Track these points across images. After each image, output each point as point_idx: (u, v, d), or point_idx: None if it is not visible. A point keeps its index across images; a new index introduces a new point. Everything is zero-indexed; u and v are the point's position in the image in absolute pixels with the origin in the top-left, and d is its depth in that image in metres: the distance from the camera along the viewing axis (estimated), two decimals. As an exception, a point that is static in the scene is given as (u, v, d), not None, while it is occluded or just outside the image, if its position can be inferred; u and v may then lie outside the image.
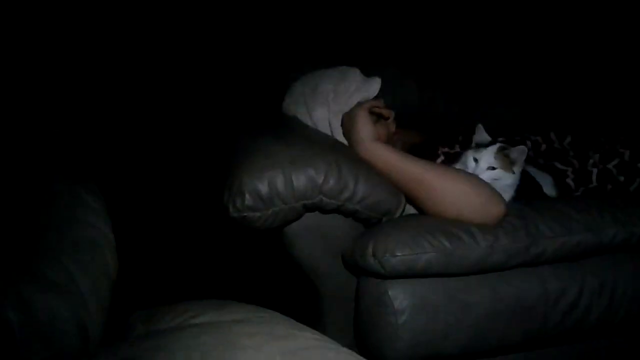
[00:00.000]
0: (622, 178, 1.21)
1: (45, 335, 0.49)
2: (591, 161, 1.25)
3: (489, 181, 1.07)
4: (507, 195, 1.09)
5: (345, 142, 1.16)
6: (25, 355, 0.47)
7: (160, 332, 0.57)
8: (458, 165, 1.14)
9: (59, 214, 0.57)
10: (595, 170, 1.23)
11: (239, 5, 1.83)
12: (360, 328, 1.07)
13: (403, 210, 1.08)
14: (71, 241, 0.55)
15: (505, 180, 1.08)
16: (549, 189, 1.20)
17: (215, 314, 0.58)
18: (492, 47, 1.74)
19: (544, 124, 1.46)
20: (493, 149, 1.09)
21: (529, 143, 1.33)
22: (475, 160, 1.09)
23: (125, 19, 1.80)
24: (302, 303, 1.14)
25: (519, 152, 1.07)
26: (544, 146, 1.34)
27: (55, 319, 0.50)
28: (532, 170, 1.21)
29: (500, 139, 1.26)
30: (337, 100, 1.18)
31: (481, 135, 1.15)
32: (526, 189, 1.13)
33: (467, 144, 1.31)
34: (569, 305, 1.07)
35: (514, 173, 1.08)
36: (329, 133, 1.19)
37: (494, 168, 1.07)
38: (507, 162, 1.07)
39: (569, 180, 1.22)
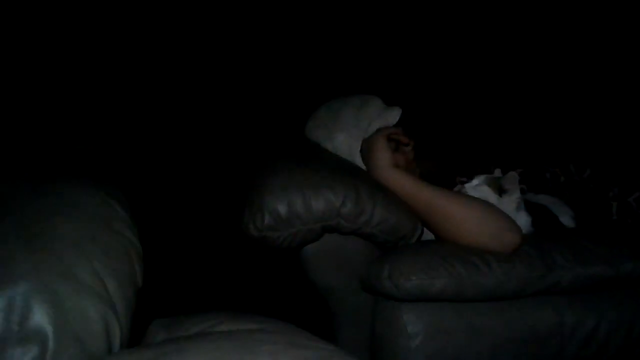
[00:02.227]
0: (641, 212, 1.21)
1: (75, 334, 0.52)
2: (611, 194, 1.25)
3: (476, 194, 1.10)
4: None
5: (364, 167, 1.19)
6: (56, 351, 0.50)
7: (180, 338, 0.59)
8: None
9: (92, 221, 0.61)
10: (615, 204, 1.23)
11: (265, 35, 1.91)
12: (374, 349, 1.08)
13: (420, 236, 1.10)
14: (102, 247, 0.59)
15: (490, 199, 1.11)
16: (567, 220, 1.21)
17: (234, 324, 0.60)
18: (512, 79, 1.77)
19: (562, 156, 1.47)
20: (490, 176, 1.16)
21: (547, 175, 1.34)
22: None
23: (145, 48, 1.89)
24: (318, 322, 1.15)
25: (508, 179, 1.11)
26: (562, 178, 1.35)
27: (84, 319, 0.53)
28: (551, 201, 1.21)
29: (518, 170, 1.28)
30: (358, 127, 1.21)
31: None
32: (542, 219, 1.14)
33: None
34: (585, 337, 1.07)
35: (500, 196, 1.11)
36: (349, 158, 1.22)
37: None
38: (496, 186, 1.12)
39: (588, 213, 1.22)
